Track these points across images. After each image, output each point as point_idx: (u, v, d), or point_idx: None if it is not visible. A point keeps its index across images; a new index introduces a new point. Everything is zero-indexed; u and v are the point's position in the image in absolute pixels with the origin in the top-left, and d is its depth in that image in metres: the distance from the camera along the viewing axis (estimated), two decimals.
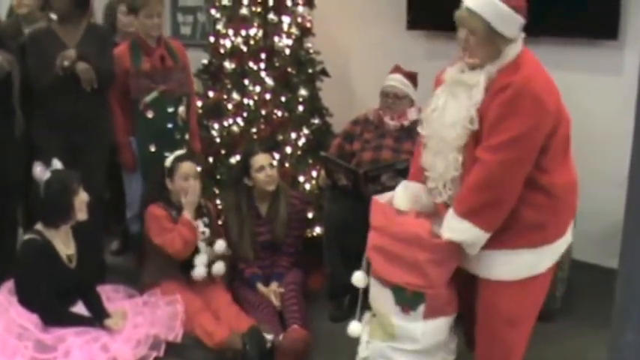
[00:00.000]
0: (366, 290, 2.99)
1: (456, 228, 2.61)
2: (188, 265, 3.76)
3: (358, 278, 2.99)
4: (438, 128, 2.65)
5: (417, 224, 2.73)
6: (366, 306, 3.04)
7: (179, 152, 3.93)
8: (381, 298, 2.88)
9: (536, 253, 2.63)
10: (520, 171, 2.51)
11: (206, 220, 3.88)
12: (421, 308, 2.78)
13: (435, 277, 2.71)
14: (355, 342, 3.07)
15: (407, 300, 2.79)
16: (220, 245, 3.81)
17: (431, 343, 2.84)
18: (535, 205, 2.57)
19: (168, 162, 3.84)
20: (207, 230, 3.84)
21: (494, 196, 2.53)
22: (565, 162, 2.63)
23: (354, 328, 3.04)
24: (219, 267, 3.80)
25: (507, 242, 2.61)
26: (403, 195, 2.85)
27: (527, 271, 2.65)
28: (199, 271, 3.73)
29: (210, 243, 3.81)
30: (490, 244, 2.61)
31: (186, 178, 3.78)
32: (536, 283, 2.69)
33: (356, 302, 3.06)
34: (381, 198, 2.94)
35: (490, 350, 2.79)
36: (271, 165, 3.93)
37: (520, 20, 2.57)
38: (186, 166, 3.81)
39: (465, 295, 2.87)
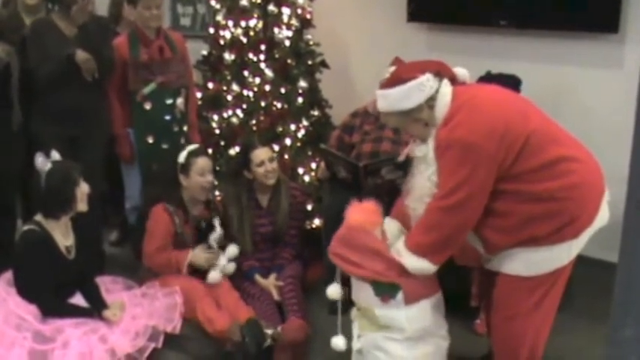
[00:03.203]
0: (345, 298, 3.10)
1: (405, 256, 2.75)
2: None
3: (333, 291, 3.08)
4: (412, 204, 2.80)
5: (376, 240, 2.89)
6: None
7: (192, 147, 3.90)
8: (362, 292, 2.94)
9: (555, 250, 2.64)
10: (464, 213, 2.61)
11: (218, 220, 3.87)
12: (400, 295, 2.84)
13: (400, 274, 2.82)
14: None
15: (385, 290, 2.85)
16: (232, 251, 3.77)
17: (418, 328, 2.88)
18: (544, 218, 2.58)
19: (182, 157, 3.80)
20: (219, 230, 3.78)
21: (437, 237, 2.67)
22: (558, 165, 2.59)
23: (337, 341, 3.11)
24: (230, 267, 3.76)
25: (526, 244, 2.64)
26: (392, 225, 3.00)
27: (544, 267, 2.66)
28: (214, 276, 3.66)
29: (222, 247, 3.77)
30: (510, 246, 2.67)
31: (203, 174, 3.76)
32: (553, 277, 2.69)
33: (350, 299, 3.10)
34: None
35: (505, 342, 2.83)
36: (271, 159, 3.92)
37: (418, 82, 2.63)
38: (203, 161, 3.79)
39: (488, 289, 2.93)
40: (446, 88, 2.65)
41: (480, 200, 2.59)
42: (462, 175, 2.54)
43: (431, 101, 2.64)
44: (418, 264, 2.72)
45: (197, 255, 3.68)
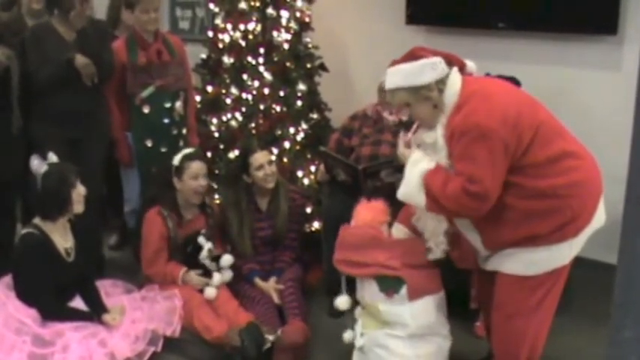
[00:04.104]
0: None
1: (411, 173, 2.70)
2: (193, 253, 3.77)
3: (342, 302, 3.14)
4: None
5: (372, 228, 2.94)
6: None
7: (187, 151, 3.88)
8: (367, 288, 2.97)
9: (554, 250, 2.64)
10: (487, 201, 2.57)
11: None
12: (404, 290, 2.87)
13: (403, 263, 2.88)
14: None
15: (390, 285, 2.88)
16: (227, 260, 3.73)
17: (422, 324, 2.90)
18: (546, 214, 2.58)
19: (176, 160, 3.78)
20: (206, 246, 3.72)
21: (451, 207, 2.63)
22: (562, 161, 2.61)
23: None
24: (227, 275, 3.74)
25: (525, 244, 2.65)
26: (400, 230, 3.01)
27: (544, 266, 2.67)
28: (210, 292, 3.62)
29: (215, 258, 3.73)
30: (510, 246, 2.68)
31: (196, 178, 3.75)
32: (553, 276, 2.70)
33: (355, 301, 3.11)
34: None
35: (505, 342, 2.83)
36: (270, 162, 3.91)
37: (431, 61, 2.65)
38: (196, 166, 3.77)
39: (486, 291, 2.93)
40: (456, 75, 2.67)
41: (498, 186, 2.57)
42: (483, 158, 2.52)
43: (441, 84, 2.65)
44: (415, 191, 2.67)
45: (190, 277, 3.68)
